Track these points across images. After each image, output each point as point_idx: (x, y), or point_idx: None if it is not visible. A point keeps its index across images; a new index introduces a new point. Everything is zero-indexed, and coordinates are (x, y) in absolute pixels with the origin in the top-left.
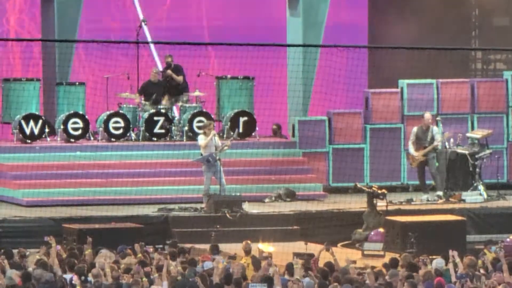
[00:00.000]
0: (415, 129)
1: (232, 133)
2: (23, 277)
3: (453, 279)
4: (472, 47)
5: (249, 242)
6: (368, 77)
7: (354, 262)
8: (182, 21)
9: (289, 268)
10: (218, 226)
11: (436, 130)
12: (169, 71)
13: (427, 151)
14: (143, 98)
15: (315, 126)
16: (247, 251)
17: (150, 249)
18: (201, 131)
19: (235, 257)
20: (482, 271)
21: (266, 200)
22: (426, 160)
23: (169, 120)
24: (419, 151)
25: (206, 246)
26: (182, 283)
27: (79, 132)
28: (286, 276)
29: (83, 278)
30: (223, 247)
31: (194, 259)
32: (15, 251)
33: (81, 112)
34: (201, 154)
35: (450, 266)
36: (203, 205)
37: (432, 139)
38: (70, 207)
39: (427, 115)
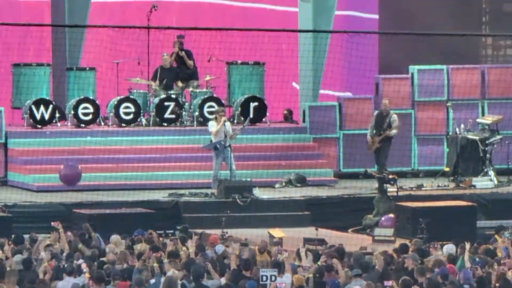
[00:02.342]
0: (375, 113)
1: (243, 120)
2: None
3: (468, 265)
4: (482, 33)
5: (266, 240)
6: (378, 63)
7: (365, 248)
8: (193, 6)
9: (299, 254)
10: (228, 212)
11: (394, 117)
12: (183, 53)
13: (381, 138)
14: (155, 84)
15: (326, 112)
16: (263, 249)
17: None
18: (212, 117)
19: (247, 244)
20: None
21: (277, 185)
22: (380, 146)
23: (180, 105)
24: (375, 136)
25: (217, 231)
26: (194, 268)
27: (90, 117)
28: (296, 262)
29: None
30: (234, 232)
31: (202, 244)
32: (26, 236)
33: (91, 97)
34: (211, 140)
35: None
36: (213, 191)
37: (389, 125)
38: (80, 192)
39: (385, 101)
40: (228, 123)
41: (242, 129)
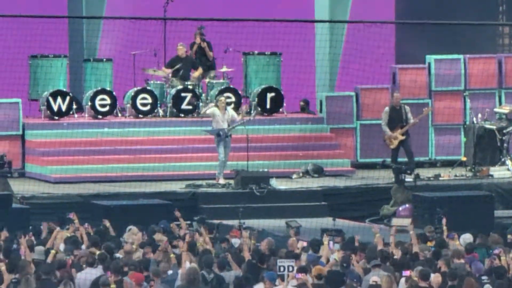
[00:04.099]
0: (386, 109)
1: (251, 111)
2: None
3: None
4: (500, 22)
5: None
6: (395, 53)
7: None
8: None
9: (314, 245)
10: (245, 203)
11: (408, 108)
12: (204, 44)
13: (406, 129)
14: (170, 74)
15: (343, 102)
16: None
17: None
18: (213, 104)
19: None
20: None
21: (294, 176)
22: (405, 138)
23: (197, 96)
24: (394, 131)
25: (234, 222)
26: (211, 259)
27: (107, 108)
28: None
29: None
30: (251, 223)
31: (226, 238)
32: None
33: (108, 89)
34: (213, 127)
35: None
36: (230, 181)
37: (406, 117)
38: (97, 184)
39: (397, 95)
40: (234, 113)
41: (247, 122)
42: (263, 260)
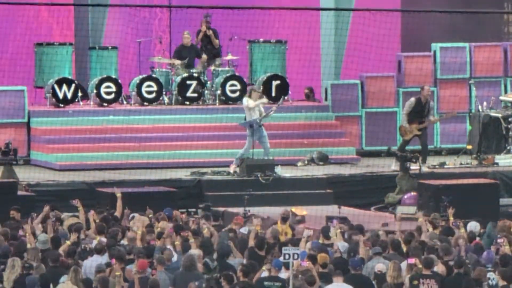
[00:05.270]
0: (412, 100)
1: (279, 99)
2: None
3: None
4: (505, 11)
5: (288, 210)
6: (400, 41)
7: (387, 224)
8: None
9: (325, 232)
10: (251, 190)
11: (432, 104)
12: (210, 31)
13: (424, 126)
14: (175, 62)
15: (348, 90)
16: (285, 219)
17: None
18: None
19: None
20: None
21: (299, 163)
22: (420, 134)
23: (202, 84)
24: (412, 124)
25: (239, 210)
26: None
27: (112, 96)
28: (321, 240)
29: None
30: (256, 210)
31: (233, 228)
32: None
33: (113, 76)
34: (245, 118)
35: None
36: (234, 167)
37: (428, 112)
38: (103, 171)
39: (427, 88)
40: (263, 102)
41: (277, 108)
42: (268, 248)
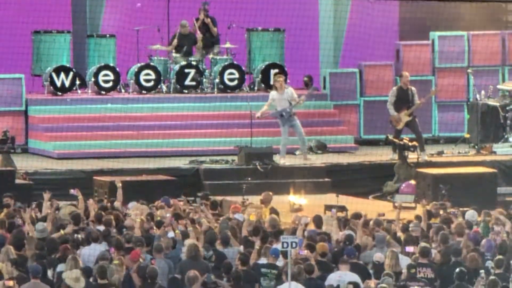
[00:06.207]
0: (394, 89)
1: (309, 87)
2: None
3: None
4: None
5: (270, 193)
6: (399, 29)
7: (383, 214)
8: None
9: (317, 221)
10: (249, 179)
11: (414, 89)
12: (208, 20)
13: (412, 110)
14: (174, 51)
15: (346, 78)
16: (266, 202)
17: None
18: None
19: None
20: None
21: (297, 152)
22: (411, 120)
23: (200, 72)
24: (401, 111)
25: (238, 198)
26: (211, 235)
27: (110, 84)
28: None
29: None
30: (254, 199)
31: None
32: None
33: (111, 64)
34: (276, 108)
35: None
36: (234, 157)
37: (413, 98)
38: (101, 160)
39: (406, 74)
40: (293, 91)
41: (308, 96)
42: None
